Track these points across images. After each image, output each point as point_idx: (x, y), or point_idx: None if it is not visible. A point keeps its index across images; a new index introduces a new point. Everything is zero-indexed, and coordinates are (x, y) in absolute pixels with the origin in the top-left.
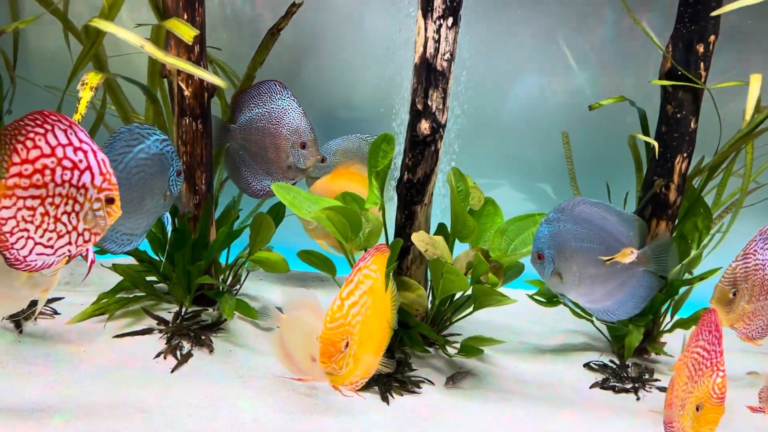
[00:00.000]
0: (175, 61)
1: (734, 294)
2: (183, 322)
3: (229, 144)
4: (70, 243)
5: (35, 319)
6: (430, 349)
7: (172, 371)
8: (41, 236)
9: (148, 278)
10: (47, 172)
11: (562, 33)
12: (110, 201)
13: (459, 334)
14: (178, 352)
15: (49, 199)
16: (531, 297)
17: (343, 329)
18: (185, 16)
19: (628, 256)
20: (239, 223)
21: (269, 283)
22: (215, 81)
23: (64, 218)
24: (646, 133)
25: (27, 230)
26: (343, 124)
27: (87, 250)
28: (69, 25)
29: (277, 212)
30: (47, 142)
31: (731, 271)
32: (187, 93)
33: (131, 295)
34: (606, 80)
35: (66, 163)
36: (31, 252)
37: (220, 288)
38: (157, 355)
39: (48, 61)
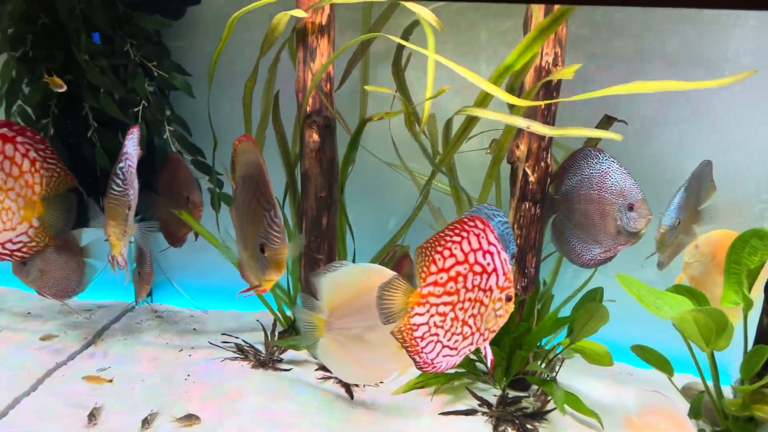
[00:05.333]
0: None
1: None
2: (506, 407)
3: (555, 215)
4: (471, 343)
5: (363, 386)
6: None
7: None
8: (448, 339)
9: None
10: (460, 279)
11: None
12: (509, 299)
13: None
14: None
15: (460, 305)
16: None
17: None
18: (542, 105)
19: None
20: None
21: (577, 374)
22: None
23: (470, 321)
24: None
25: (437, 335)
26: None
27: (485, 348)
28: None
29: (594, 298)
30: (462, 250)
31: None
32: (531, 179)
33: (453, 371)
34: None
35: (476, 268)
36: (438, 355)
37: (541, 374)
38: None
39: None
